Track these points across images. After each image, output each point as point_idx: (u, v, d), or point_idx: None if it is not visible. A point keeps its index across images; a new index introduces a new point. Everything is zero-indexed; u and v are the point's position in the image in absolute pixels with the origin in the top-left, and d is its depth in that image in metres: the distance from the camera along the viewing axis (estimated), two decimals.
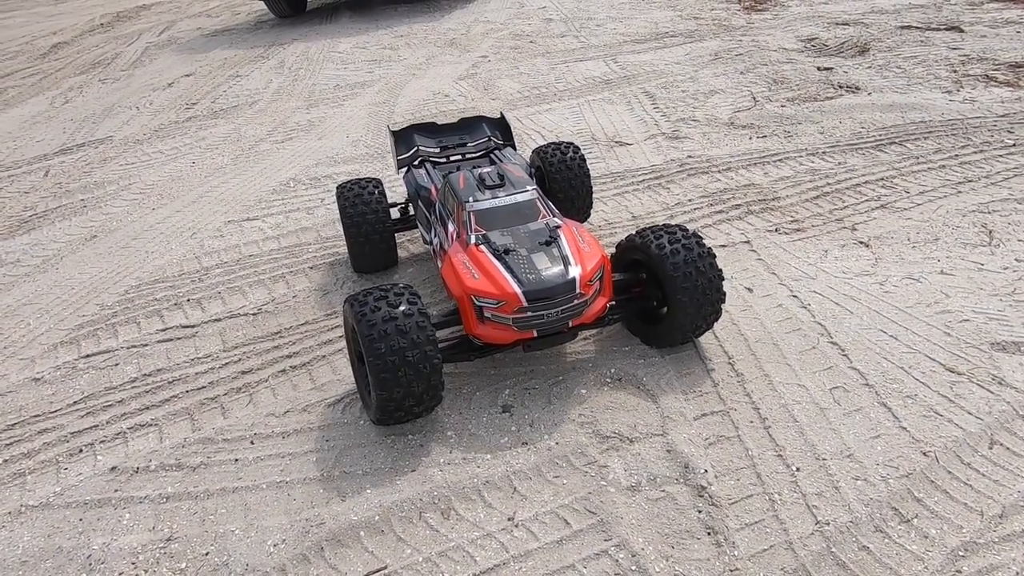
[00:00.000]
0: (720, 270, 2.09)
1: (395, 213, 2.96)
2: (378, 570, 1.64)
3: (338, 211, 2.88)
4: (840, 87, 4.84)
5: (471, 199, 2.20)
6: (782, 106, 4.55)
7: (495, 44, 7.12)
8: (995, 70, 4.93)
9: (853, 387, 2.05)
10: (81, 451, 2.08)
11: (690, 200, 3.30)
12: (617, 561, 1.62)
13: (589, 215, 3.05)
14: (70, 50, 8.78)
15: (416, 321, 1.87)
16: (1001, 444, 1.82)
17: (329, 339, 2.49)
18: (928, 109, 4.27)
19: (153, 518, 1.84)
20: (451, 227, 2.27)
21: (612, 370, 2.22)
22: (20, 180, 4.45)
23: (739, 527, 1.67)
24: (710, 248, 2.11)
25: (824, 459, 1.82)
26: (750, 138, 4.06)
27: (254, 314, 2.66)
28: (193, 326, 2.58)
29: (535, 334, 1.99)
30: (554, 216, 2.22)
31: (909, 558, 1.56)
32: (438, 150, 2.92)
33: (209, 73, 7.05)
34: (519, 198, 2.20)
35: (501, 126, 3.04)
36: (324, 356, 2.40)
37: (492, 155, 2.87)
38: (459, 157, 2.87)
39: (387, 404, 1.88)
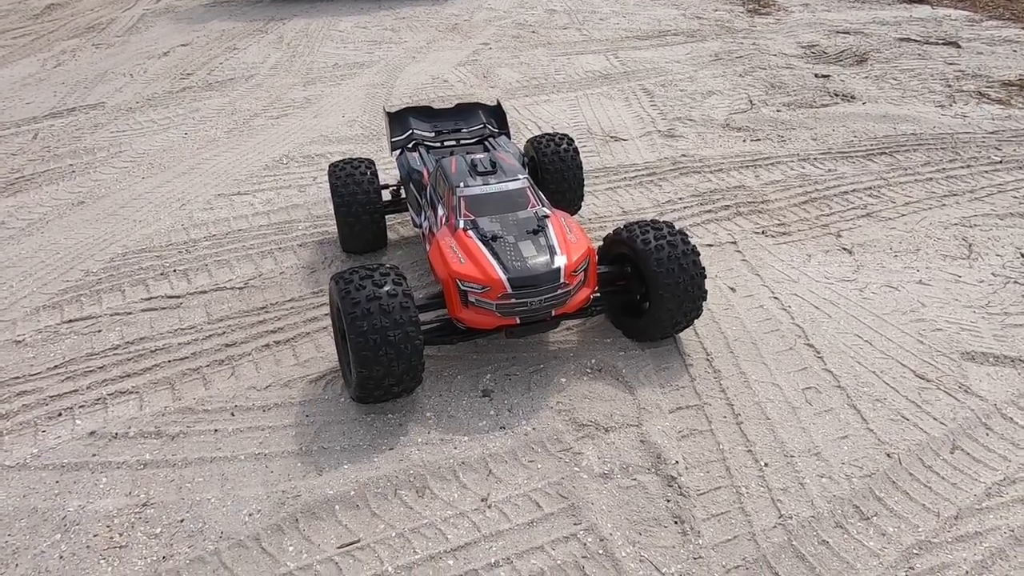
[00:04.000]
0: (703, 268, 2.13)
1: (387, 195, 2.96)
2: (351, 543, 1.67)
3: (329, 190, 2.88)
4: (836, 95, 4.88)
5: (462, 184, 2.21)
6: (777, 111, 4.59)
7: (497, 32, 7.08)
8: (988, 87, 5.00)
9: (825, 388, 2.10)
10: (60, 415, 2.08)
11: (680, 199, 3.34)
12: (585, 544, 1.66)
13: (580, 207, 3.07)
14: (64, 12, 8.60)
15: (400, 302, 1.89)
16: (962, 450, 1.88)
17: (314, 316, 2.50)
18: (920, 122, 4.32)
19: (130, 483, 1.85)
20: (441, 211, 2.29)
21: (592, 361, 2.25)
22: (7, 142, 4.39)
23: (706, 517, 1.72)
24: (695, 246, 2.15)
25: (792, 456, 1.87)
26: (744, 140, 4.10)
27: (240, 288, 2.67)
28: (178, 297, 2.58)
29: (518, 321, 2.02)
30: (544, 206, 2.24)
31: (866, 554, 1.61)
32: (433, 134, 2.91)
33: (206, 44, 6.95)
34: (510, 186, 2.22)
35: (497, 114, 3.04)
36: (308, 333, 2.42)
37: (486, 142, 2.88)
38: (453, 142, 2.88)
39: (367, 382, 1.90)
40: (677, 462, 1.86)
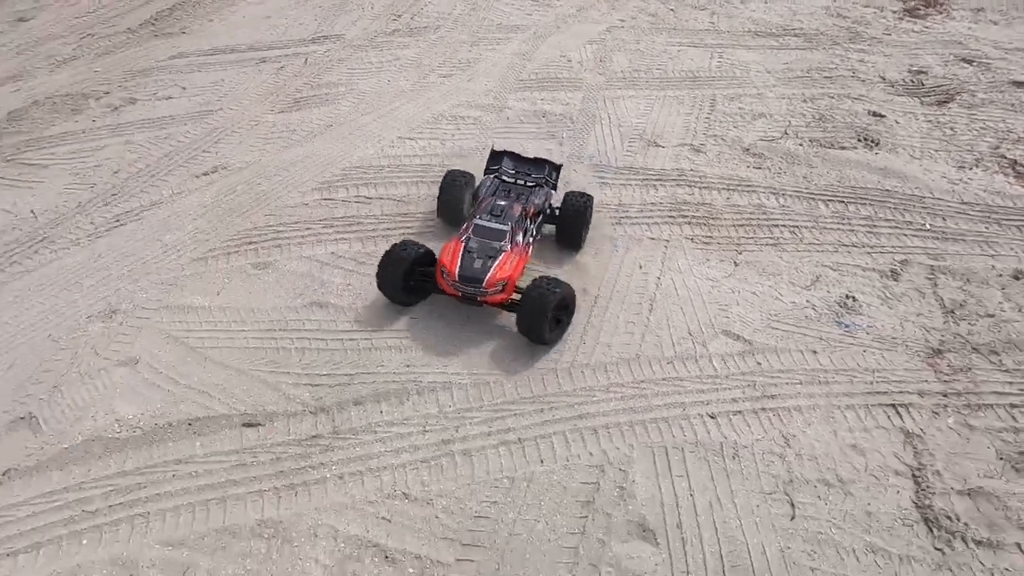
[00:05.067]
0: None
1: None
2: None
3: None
4: (863, 139, 5.92)
5: (479, 215, 4.19)
6: (799, 144, 5.84)
7: (639, 7, 8.37)
8: None
9: (639, 324, 4.07)
10: (321, 242, 4.73)
11: (659, 203, 5.11)
12: None
13: (580, 246, 4.57)
14: None
15: (425, 249, 4.05)
16: (674, 364, 3.84)
17: (428, 223, 4.89)
18: (909, 180, 5.40)
19: (343, 275, 4.47)
20: (466, 223, 4.26)
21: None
22: (290, 62, 7.11)
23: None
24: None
25: (602, 344, 3.96)
26: (748, 166, 5.57)
27: (399, 200, 5.12)
28: (370, 198, 5.12)
29: (460, 295, 3.95)
30: (512, 243, 3.99)
31: None
32: (513, 172, 4.73)
33: None
34: (498, 227, 4.04)
35: (556, 170, 4.80)
36: (426, 229, 4.82)
37: (536, 188, 4.59)
38: (520, 183, 4.62)
39: (378, 278, 4.04)
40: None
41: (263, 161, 5.42)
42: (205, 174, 5.23)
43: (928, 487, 3.16)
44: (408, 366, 3.72)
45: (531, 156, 4.90)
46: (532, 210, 4.35)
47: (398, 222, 4.88)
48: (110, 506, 2.90)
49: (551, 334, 3.81)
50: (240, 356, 3.69)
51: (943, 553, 2.91)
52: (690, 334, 3.99)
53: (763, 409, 3.51)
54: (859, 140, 5.92)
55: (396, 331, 3.97)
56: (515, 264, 3.97)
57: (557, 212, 4.50)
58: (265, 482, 3.05)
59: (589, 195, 4.55)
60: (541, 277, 3.86)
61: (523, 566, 2.80)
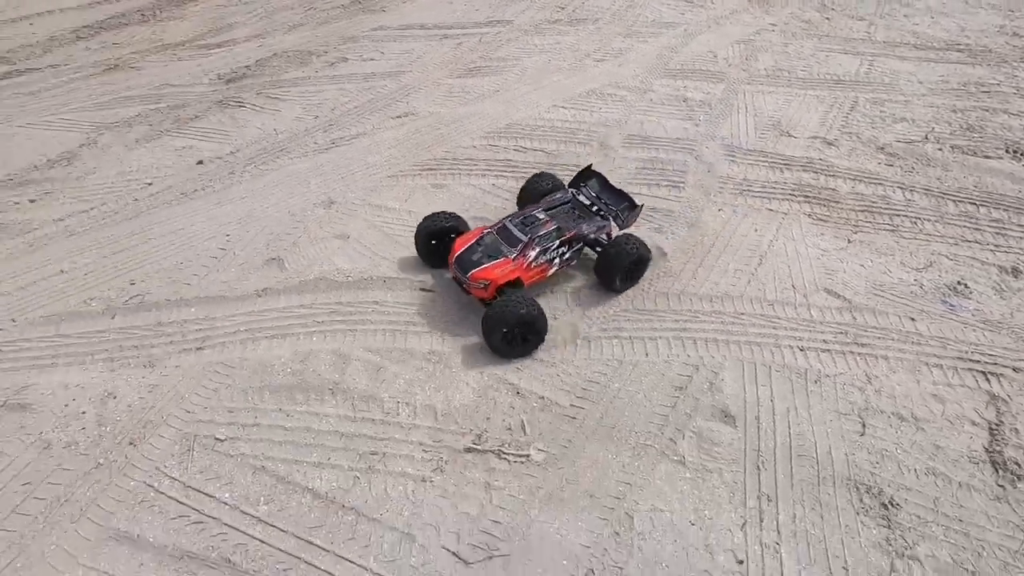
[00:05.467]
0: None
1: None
2: None
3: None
4: (1011, 151, 5.88)
5: (512, 218, 4.43)
6: (939, 149, 5.94)
7: (795, 12, 8.66)
8: None
9: (744, 275, 4.58)
10: (484, 175, 5.76)
11: (783, 184, 5.53)
12: None
13: (612, 287, 4.24)
14: None
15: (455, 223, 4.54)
16: (784, 305, 4.32)
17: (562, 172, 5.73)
18: None
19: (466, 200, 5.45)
20: (500, 220, 4.48)
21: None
22: (468, 40, 8.33)
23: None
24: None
25: (712, 285, 4.55)
26: (879, 163, 5.80)
27: (548, 153, 6.02)
28: (524, 148, 6.07)
29: (456, 279, 4.21)
30: (521, 255, 4.08)
31: None
32: (593, 194, 4.68)
33: None
34: (516, 234, 4.21)
35: (632, 209, 4.60)
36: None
37: (596, 217, 4.52)
38: (587, 204, 4.62)
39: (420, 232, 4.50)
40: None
41: (442, 112, 6.58)
42: (398, 117, 6.48)
43: (1003, 439, 3.43)
44: None
45: (618, 187, 4.74)
46: (571, 234, 4.33)
47: (545, 168, 5.78)
48: (331, 320, 4.05)
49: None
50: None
51: (1004, 489, 3.21)
52: (793, 287, 4.46)
53: (851, 352, 3.94)
54: (1007, 151, 5.90)
55: None
56: (508, 272, 4.06)
57: (603, 246, 4.37)
58: (435, 326, 4.06)
59: (646, 248, 4.29)
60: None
61: (621, 419, 3.54)
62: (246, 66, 7.72)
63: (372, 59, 7.81)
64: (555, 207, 4.53)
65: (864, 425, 3.50)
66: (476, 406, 3.60)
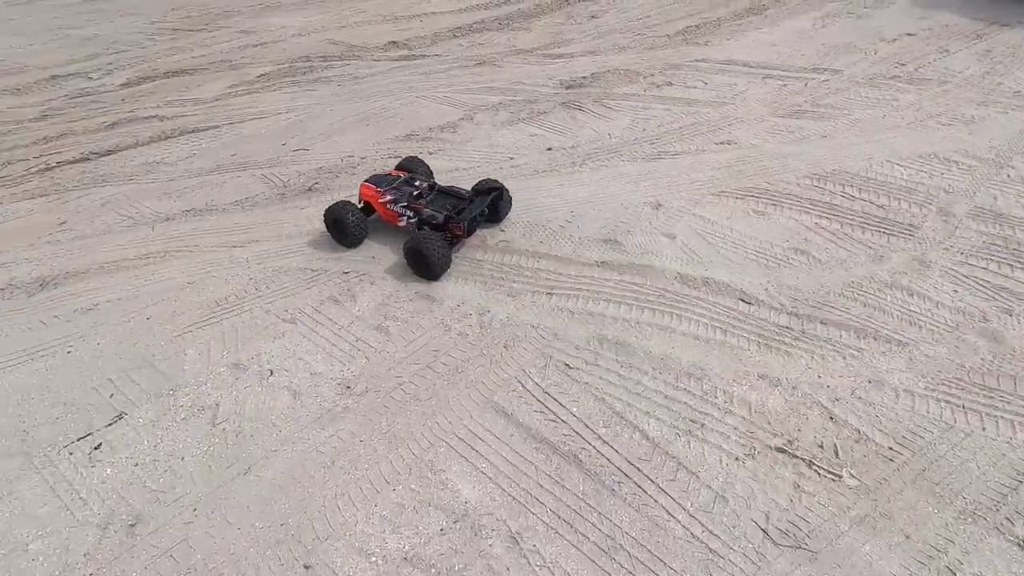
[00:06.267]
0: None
1: None
2: None
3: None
4: None
5: (420, 179, 5.49)
6: None
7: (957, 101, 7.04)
8: None
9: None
10: (806, 212, 5.91)
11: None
12: None
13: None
14: None
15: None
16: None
17: (895, 228, 5.55)
18: None
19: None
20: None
21: None
22: (792, 83, 8.42)
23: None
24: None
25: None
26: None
27: (878, 206, 5.89)
28: (852, 197, 6.02)
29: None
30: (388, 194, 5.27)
31: None
32: (470, 199, 5.28)
33: (926, 39, 9.45)
34: (397, 185, 5.39)
35: (479, 215, 5.26)
36: (891, 232, 5.52)
37: (453, 213, 5.09)
38: (464, 202, 5.27)
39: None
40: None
41: (764, 147, 6.84)
42: (720, 143, 6.92)
43: None
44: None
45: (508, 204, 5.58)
46: (415, 207, 5.21)
47: (875, 221, 5.68)
48: (659, 301, 4.65)
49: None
50: (743, 260, 5.15)
51: None
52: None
53: None
54: None
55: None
56: (372, 196, 5.31)
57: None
58: (763, 335, 4.40)
59: (423, 243, 4.84)
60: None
61: (946, 479, 3.47)
62: (583, 76, 8.90)
63: (695, 87, 8.38)
64: (453, 193, 5.38)
65: None
66: (787, 415, 3.83)
